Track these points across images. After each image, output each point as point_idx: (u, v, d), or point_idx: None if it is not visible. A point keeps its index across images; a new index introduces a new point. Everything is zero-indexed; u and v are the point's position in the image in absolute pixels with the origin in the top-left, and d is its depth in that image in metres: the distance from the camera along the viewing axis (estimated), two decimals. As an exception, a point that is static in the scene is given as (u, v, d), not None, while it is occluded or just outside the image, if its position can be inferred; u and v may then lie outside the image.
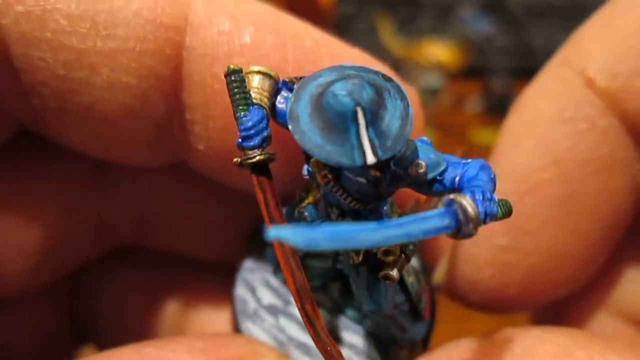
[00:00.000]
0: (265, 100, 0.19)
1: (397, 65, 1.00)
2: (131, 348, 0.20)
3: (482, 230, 0.19)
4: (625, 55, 0.23)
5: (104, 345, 0.25)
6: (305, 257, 0.23)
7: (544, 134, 0.24)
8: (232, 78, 0.19)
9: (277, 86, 0.20)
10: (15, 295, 0.28)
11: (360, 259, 0.20)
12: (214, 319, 0.31)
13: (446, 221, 0.16)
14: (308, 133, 0.17)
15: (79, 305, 0.32)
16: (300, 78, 0.19)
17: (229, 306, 0.28)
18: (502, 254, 0.25)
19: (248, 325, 0.25)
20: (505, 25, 1.14)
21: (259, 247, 0.27)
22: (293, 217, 0.22)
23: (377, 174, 0.18)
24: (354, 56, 0.24)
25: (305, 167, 0.20)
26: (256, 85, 0.19)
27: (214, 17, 0.22)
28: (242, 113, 0.19)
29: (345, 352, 0.23)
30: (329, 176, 0.19)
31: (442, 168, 0.19)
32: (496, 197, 0.18)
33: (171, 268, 0.33)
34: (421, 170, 0.18)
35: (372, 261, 0.20)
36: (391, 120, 0.17)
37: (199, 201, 0.30)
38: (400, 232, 0.15)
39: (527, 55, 1.02)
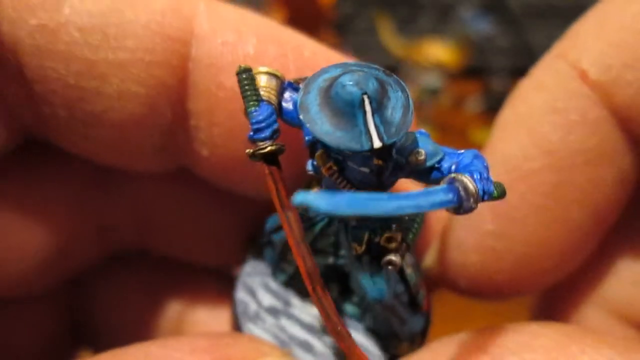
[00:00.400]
0: (273, 98, 0.21)
1: (397, 65, 1.00)
2: (136, 347, 0.21)
3: (471, 216, 0.21)
4: (618, 48, 0.23)
5: (103, 348, 0.25)
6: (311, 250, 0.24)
7: (535, 124, 0.25)
8: (243, 76, 0.20)
9: (282, 86, 0.21)
10: (17, 297, 0.29)
11: (363, 249, 0.21)
12: (214, 323, 0.32)
13: (450, 196, 0.18)
14: (318, 122, 0.18)
15: (80, 309, 0.32)
16: (304, 79, 0.20)
17: (229, 310, 0.28)
18: (490, 240, 0.26)
19: (250, 327, 0.26)
20: (505, 25, 1.14)
21: (257, 252, 0.27)
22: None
23: (380, 162, 0.19)
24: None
25: (309, 162, 0.21)
26: (264, 84, 0.21)
27: (218, 30, 0.23)
28: (253, 108, 0.20)
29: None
30: (334, 168, 0.20)
31: (439, 157, 0.20)
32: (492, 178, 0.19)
33: (171, 273, 0.33)
34: (421, 158, 0.19)
35: (374, 251, 0.21)
36: (394, 109, 0.18)
37: (200, 207, 0.30)
38: (411, 203, 0.17)
39: (527, 55, 1.02)
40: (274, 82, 0.21)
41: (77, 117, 0.23)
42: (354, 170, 0.20)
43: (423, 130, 0.21)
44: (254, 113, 0.20)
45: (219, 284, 0.32)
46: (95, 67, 0.22)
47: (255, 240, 0.28)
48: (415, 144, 0.20)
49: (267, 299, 0.26)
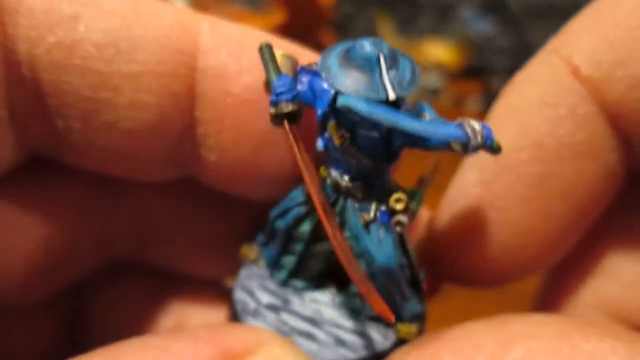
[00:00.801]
0: (291, 74, 0.23)
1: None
2: (134, 339, 0.21)
3: (458, 204, 0.25)
4: (611, 45, 0.23)
5: None
6: (312, 243, 0.25)
7: (526, 116, 0.25)
8: (264, 50, 0.23)
9: (296, 69, 0.23)
10: (17, 304, 0.29)
11: (371, 216, 0.23)
12: None
13: (460, 132, 0.20)
14: (339, 78, 0.21)
15: (78, 316, 0.33)
16: (316, 64, 0.23)
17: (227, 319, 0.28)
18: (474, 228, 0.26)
19: (250, 321, 0.26)
20: (505, 25, 1.14)
21: (254, 257, 0.28)
22: (292, 199, 0.25)
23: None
24: None
25: (319, 140, 0.23)
26: (280, 64, 0.23)
27: (222, 43, 0.25)
28: (275, 77, 0.22)
29: (347, 336, 0.24)
30: (346, 135, 0.22)
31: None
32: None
33: (170, 282, 0.33)
34: (426, 117, 0.22)
35: (384, 217, 0.23)
36: (404, 70, 0.21)
37: (201, 220, 0.31)
38: (430, 127, 0.20)
39: (527, 55, 1.02)
40: (289, 64, 0.23)
41: (91, 128, 0.24)
42: (365, 136, 0.22)
43: (424, 103, 0.23)
44: (276, 81, 0.22)
45: (217, 294, 0.33)
46: (110, 79, 0.23)
47: (250, 245, 0.28)
48: (419, 109, 0.22)
49: (265, 298, 0.26)
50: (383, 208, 0.23)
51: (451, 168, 0.28)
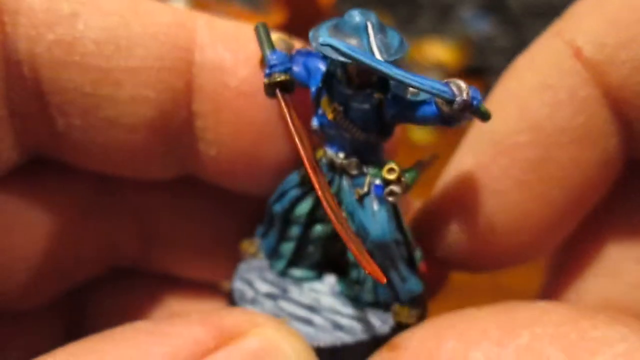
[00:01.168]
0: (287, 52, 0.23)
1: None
2: (127, 325, 0.21)
3: (453, 187, 0.25)
4: (614, 27, 0.23)
5: None
6: (310, 226, 0.26)
7: (525, 99, 0.25)
8: (259, 29, 0.23)
9: (291, 52, 0.24)
10: (17, 308, 0.29)
11: (365, 190, 0.23)
12: None
13: (446, 88, 0.20)
14: (334, 42, 0.21)
15: (79, 321, 0.33)
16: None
17: None
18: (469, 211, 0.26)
19: (247, 307, 0.26)
20: (505, 25, 1.14)
21: (253, 251, 0.28)
22: (290, 182, 0.25)
23: (380, 95, 0.22)
24: None
25: (314, 119, 0.24)
26: (278, 45, 0.24)
27: (218, 39, 0.25)
28: (269, 52, 0.23)
29: (345, 320, 0.25)
30: (339, 109, 0.22)
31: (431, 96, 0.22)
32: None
33: (172, 286, 0.33)
34: (414, 90, 0.22)
35: (378, 190, 0.23)
36: (392, 39, 0.22)
37: (202, 220, 0.31)
38: (414, 78, 0.20)
39: (527, 56, 1.02)
40: (284, 46, 0.24)
41: (92, 124, 0.25)
42: (357, 109, 0.23)
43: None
44: (270, 55, 0.23)
45: (216, 294, 0.33)
46: (110, 74, 0.24)
47: (251, 239, 0.28)
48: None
49: (264, 287, 0.27)
50: (377, 182, 0.23)
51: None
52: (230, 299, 0.27)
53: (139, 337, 0.20)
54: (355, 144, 0.23)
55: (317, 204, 0.25)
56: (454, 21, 1.14)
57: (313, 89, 0.23)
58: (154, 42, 0.24)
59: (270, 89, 0.23)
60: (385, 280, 0.21)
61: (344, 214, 0.23)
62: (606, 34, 0.23)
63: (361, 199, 0.24)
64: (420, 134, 0.92)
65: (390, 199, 0.23)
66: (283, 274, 0.27)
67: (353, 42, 0.21)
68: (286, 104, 0.22)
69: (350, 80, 0.22)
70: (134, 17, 0.24)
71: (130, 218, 0.31)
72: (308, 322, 0.25)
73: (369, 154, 0.24)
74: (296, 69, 0.24)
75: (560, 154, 0.24)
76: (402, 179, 0.23)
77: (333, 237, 0.25)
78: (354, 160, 0.24)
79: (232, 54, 0.25)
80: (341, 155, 0.24)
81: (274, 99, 0.23)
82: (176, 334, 0.20)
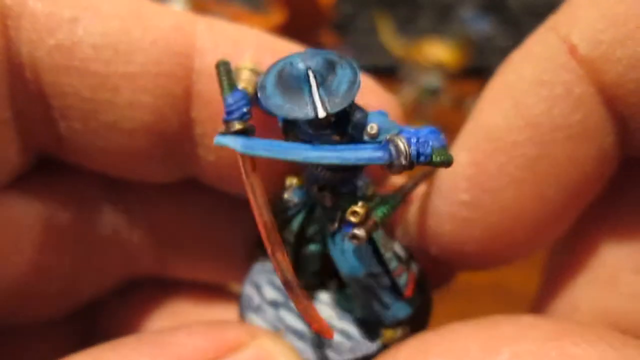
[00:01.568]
0: (251, 89, 0.23)
1: (397, 65, 1.00)
2: (132, 336, 0.22)
3: (447, 185, 0.25)
4: (611, 23, 0.22)
5: None
6: (303, 245, 0.26)
7: (521, 95, 0.24)
8: (220, 68, 0.23)
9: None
10: (33, 321, 0.29)
11: (335, 226, 0.23)
12: None
13: (379, 153, 0.20)
14: (272, 97, 0.21)
15: (92, 333, 0.33)
16: None
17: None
18: (463, 210, 0.26)
19: (251, 317, 0.27)
20: (505, 25, 1.14)
21: (264, 253, 0.28)
22: (281, 201, 0.25)
23: (338, 138, 0.22)
24: None
25: None
26: (245, 78, 0.23)
27: (218, 44, 0.25)
28: (227, 94, 0.22)
29: (336, 337, 0.25)
30: None
31: (394, 132, 0.21)
32: (447, 149, 0.21)
33: (188, 295, 0.34)
34: (373, 132, 0.21)
35: (347, 228, 0.22)
36: (340, 83, 0.20)
37: (213, 224, 0.31)
38: (335, 154, 0.19)
39: (527, 55, 1.02)
40: (254, 77, 0.23)
41: (92, 129, 0.25)
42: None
43: (383, 110, 0.22)
44: (227, 99, 0.22)
45: (229, 301, 0.34)
46: (108, 80, 0.24)
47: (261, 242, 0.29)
48: (369, 120, 0.22)
49: (270, 294, 0.27)
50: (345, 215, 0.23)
51: None
52: (240, 304, 0.28)
53: (143, 347, 0.21)
54: (326, 178, 0.23)
55: (305, 224, 0.25)
56: (454, 21, 1.14)
57: (280, 123, 0.23)
58: (153, 48, 0.24)
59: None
60: (332, 336, 0.21)
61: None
62: (602, 30, 0.23)
63: (333, 234, 0.23)
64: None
65: (355, 242, 0.22)
66: None
67: (294, 96, 0.20)
68: (241, 157, 0.21)
69: (309, 121, 0.22)
70: (134, 22, 0.24)
71: (145, 228, 0.31)
72: (301, 336, 0.25)
73: (342, 186, 0.23)
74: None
75: (557, 151, 0.24)
76: (369, 220, 0.22)
77: (324, 254, 0.26)
78: (327, 193, 0.23)
79: (230, 59, 0.25)
80: (314, 188, 0.24)
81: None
82: (179, 343, 0.21)
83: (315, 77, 0.20)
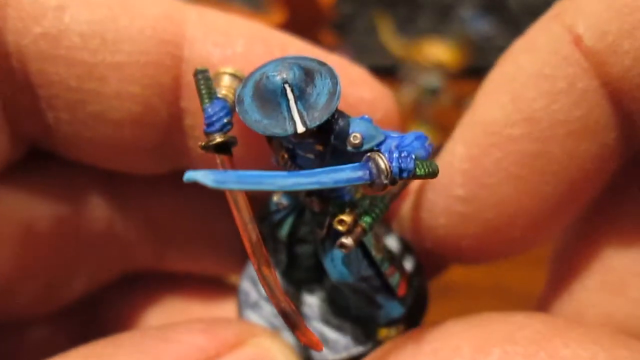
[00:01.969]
0: (231, 96, 0.22)
1: (397, 65, 1.00)
2: (134, 331, 0.22)
3: (442, 179, 0.25)
4: (618, 13, 0.21)
5: None
6: (293, 245, 0.25)
7: (521, 89, 0.23)
8: (199, 77, 0.22)
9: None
10: (29, 317, 0.29)
11: (324, 232, 0.22)
12: None
13: (359, 173, 0.19)
14: (249, 112, 0.20)
15: (93, 327, 0.33)
16: None
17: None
18: (459, 204, 0.25)
19: (248, 313, 0.27)
20: (505, 25, 1.14)
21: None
22: (272, 205, 0.25)
23: (321, 148, 0.21)
24: (333, 62, 0.26)
25: (273, 157, 0.23)
26: (225, 84, 0.22)
27: (208, 33, 0.24)
28: (206, 105, 0.22)
29: (332, 334, 0.25)
30: (285, 156, 0.22)
31: (378, 140, 0.21)
32: (428, 159, 0.21)
33: (186, 288, 0.33)
34: (357, 142, 0.20)
35: (334, 235, 0.22)
36: (319, 95, 0.20)
37: (208, 217, 0.31)
38: (312, 179, 0.18)
39: (527, 55, 1.02)
40: (235, 83, 0.22)
41: (79, 119, 0.25)
42: (302, 157, 0.21)
43: (367, 116, 0.22)
44: (207, 109, 0.21)
45: (228, 294, 0.33)
46: (95, 69, 0.23)
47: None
48: (353, 128, 0.21)
49: None
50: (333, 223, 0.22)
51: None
52: (237, 299, 0.28)
53: (146, 342, 0.21)
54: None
55: (296, 225, 0.25)
56: (454, 21, 1.14)
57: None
58: (141, 36, 0.23)
59: (207, 150, 0.22)
60: (322, 348, 0.20)
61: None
62: (609, 20, 0.21)
63: (322, 240, 0.23)
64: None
65: (343, 250, 0.21)
66: (284, 275, 0.27)
67: (271, 111, 0.19)
68: (223, 167, 0.21)
69: None
70: (122, 10, 0.24)
71: (141, 220, 0.31)
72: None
73: (330, 192, 0.23)
74: None
75: (556, 147, 0.23)
76: (357, 228, 0.21)
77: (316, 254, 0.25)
78: (315, 198, 0.22)
79: (221, 49, 0.24)
80: (302, 193, 0.23)
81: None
82: (181, 341, 0.21)
83: (292, 90, 0.19)
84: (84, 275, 0.30)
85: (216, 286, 0.34)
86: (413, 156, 0.20)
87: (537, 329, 0.20)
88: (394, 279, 0.24)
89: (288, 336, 0.25)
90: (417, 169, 0.20)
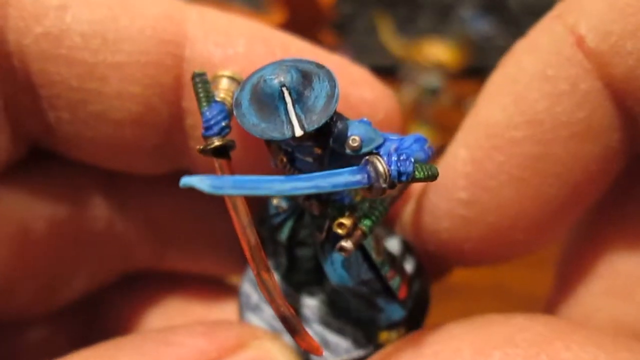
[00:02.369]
0: (229, 99, 0.22)
1: (397, 65, 1.00)
2: (135, 334, 0.22)
3: (445, 182, 0.25)
4: (621, 13, 0.21)
5: None
6: (293, 248, 0.25)
7: (522, 90, 0.23)
8: (196, 80, 0.22)
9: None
10: (25, 318, 0.29)
11: (323, 236, 0.22)
12: None
13: (358, 177, 0.19)
14: (247, 115, 0.20)
15: (95, 327, 0.33)
16: None
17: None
18: (461, 208, 0.25)
19: (249, 316, 0.27)
20: (505, 25, 1.14)
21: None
22: (272, 208, 0.24)
23: (319, 151, 0.21)
24: (334, 62, 0.26)
25: (272, 160, 0.22)
26: (223, 87, 0.22)
27: (209, 33, 0.24)
28: (205, 108, 0.22)
29: (332, 337, 0.25)
30: (284, 160, 0.21)
31: (377, 142, 0.21)
32: (428, 162, 0.21)
33: (186, 288, 0.33)
34: (355, 144, 0.20)
35: (333, 239, 0.22)
36: (317, 98, 0.19)
37: (209, 217, 0.31)
38: (309, 184, 0.18)
39: (527, 55, 1.02)
40: (234, 86, 0.22)
41: (80, 119, 0.25)
42: (301, 160, 0.21)
43: (366, 119, 0.21)
44: (205, 113, 0.21)
45: (228, 295, 0.33)
46: (96, 69, 0.23)
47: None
48: (352, 131, 0.21)
49: None
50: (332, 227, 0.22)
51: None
52: (239, 301, 0.28)
53: (147, 345, 0.21)
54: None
55: (296, 228, 0.25)
56: (454, 21, 1.14)
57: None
58: (141, 36, 0.23)
59: (205, 154, 0.22)
60: (322, 353, 0.20)
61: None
62: (612, 20, 0.21)
63: (322, 244, 0.23)
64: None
65: (343, 254, 0.21)
66: (284, 278, 0.27)
67: (269, 114, 0.19)
68: (221, 170, 0.21)
69: None
70: (122, 10, 0.24)
71: (141, 221, 0.31)
72: None
73: (329, 194, 0.22)
74: None
75: (559, 149, 0.23)
76: (357, 231, 0.21)
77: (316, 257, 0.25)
78: (314, 201, 0.22)
79: (222, 49, 0.24)
80: (302, 197, 0.23)
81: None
82: (182, 343, 0.21)
83: (290, 94, 0.19)
84: (83, 275, 0.30)
85: (217, 287, 0.34)
86: (412, 159, 0.19)
87: (538, 331, 0.20)
88: (395, 282, 0.24)
89: (289, 339, 0.25)
90: (417, 172, 0.20)
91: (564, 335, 0.19)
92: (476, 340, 0.20)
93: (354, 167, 0.19)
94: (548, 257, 0.31)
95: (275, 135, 0.19)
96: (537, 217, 0.25)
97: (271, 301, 0.20)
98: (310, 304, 0.26)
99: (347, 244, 0.21)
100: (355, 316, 0.25)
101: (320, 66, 0.20)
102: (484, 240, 0.26)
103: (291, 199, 0.24)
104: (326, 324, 0.25)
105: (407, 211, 0.29)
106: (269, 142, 0.22)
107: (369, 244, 0.23)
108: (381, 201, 0.23)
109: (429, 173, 0.20)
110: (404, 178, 0.19)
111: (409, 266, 0.26)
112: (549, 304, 0.30)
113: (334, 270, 0.22)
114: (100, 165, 0.27)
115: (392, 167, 0.19)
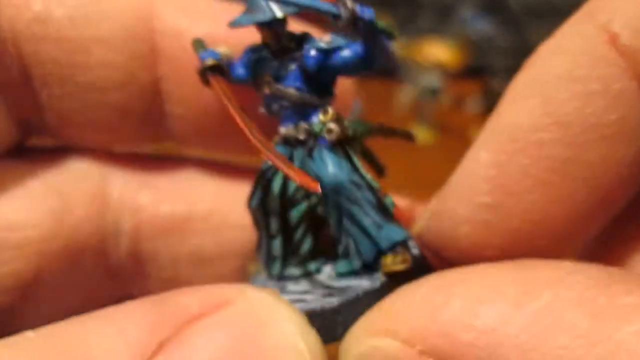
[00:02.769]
0: (223, 55, 0.26)
1: (397, 65, 1.00)
2: (130, 302, 0.21)
3: (465, 187, 0.25)
4: None
5: None
6: (288, 209, 0.26)
7: (551, 91, 0.22)
8: (195, 40, 0.27)
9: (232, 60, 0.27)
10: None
11: (317, 129, 0.25)
12: None
13: (330, 6, 0.22)
14: (240, 18, 0.24)
15: None
16: None
17: None
18: (484, 212, 0.24)
19: None
20: (505, 25, 1.14)
21: (258, 269, 0.29)
22: (265, 165, 0.27)
23: (299, 53, 0.25)
24: None
25: (261, 106, 0.26)
26: (220, 49, 0.26)
27: (177, 7, 0.29)
28: (201, 51, 0.26)
29: (336, 290, 0.25)
30: (269, 79, 0.25)
31: (347, 41, 0.24)
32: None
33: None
34: (326, 39, 0.24)
35: (321, 142, 0.25)
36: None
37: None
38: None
39: (527, 55, 1.01)
40: (228, 52, 0.26)
41: (69, 92, 0.28)
42: (287, 76, 0.25)
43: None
44: (202, 53, 0.26)
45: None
46: (80, 43, 0.27)
47: (253, 262, 0.29)
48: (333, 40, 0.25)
49: (269, 285, 0.27)
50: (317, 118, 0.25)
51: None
52: None
53: (144, 304, 0.20)
54: (299, 111, 0.25)
55: (284, 185, 0.26)
56: (454, 21, 1.15)
57: (251, 78, 0.26)
58: (119, 14, 0.27)
59: (203, 75, 0.25)
60: (318, 189, 0.22)
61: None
62: None
63: (310, 152, 0.25)
64: (421, 135, 0.92)
65: (330, 136, 0.24)
66: (282, 276, 0.27)
67: (254, 9, 0.24)
68: (219, 85, 0.25)
69: (271, 49, 0.25)
70: None
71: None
72: (301, 300, 0.25)
73: (301, 115, 0.25)
74: (240, 70, 0.26)
75: (589, 153, 0.22)
76: (340, 123, 0.24)
77: (317, 221, 0.26)
78: (301, 127, 0.25)
79: (189, 19, 0.28)
80: (291, 127, 0.25)
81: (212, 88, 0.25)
82: (174, 303, 0.20)
83: None
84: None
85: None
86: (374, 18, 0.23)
87: (592, 275, 0.18)
88: (388, 199, 0.25)
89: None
90: (378, 22, 0.23)
91: (622, 280, 0.18)
92: (521, 280, 0.18)
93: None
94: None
95: (260, 17, 0.23)
96: (563, 223, 0.24)
97: (262, 150, 0.23)
98: (312, 283, 0.26)
99: (333, 125, 0.24)
100: (359, 267, 0.25)
101: None
102: (506, 247, 0.24)
103: (283, 143, 0.26)
104: (328, 287, 0.25)
105: (422, 218, 0.28)
106: (257, 83, 0.25)
107: (357, 161, 0.25)
108: (360, 123, 0.25)
109: (389, 28, 0.23)
110: (366, 14, 0.22)
111: (412, 250, 0.26)
112: None
113: (325, 166, 0.24)
114: (88, 141, 0.30)
115: (357, 6, 0.22)
